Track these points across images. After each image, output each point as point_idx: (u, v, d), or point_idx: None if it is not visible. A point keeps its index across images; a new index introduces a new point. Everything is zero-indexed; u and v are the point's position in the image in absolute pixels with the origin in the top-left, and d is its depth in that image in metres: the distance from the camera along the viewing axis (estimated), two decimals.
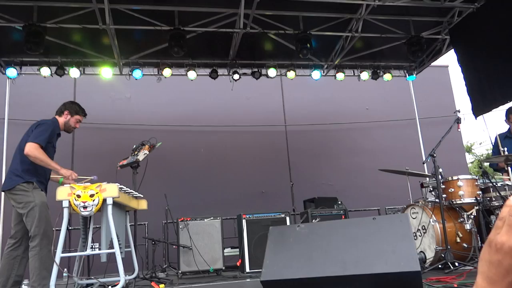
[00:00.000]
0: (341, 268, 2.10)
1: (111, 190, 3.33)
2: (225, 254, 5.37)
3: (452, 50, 6.30)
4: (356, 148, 8.97)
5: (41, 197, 3.69)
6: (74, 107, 4.11)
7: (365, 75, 7.34)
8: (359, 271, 2.05)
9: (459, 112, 4.36)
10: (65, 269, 3.51)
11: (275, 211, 5.41)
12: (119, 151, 5.51)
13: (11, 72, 6.29)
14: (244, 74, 7.05)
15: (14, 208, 3.74)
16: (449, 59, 19.48)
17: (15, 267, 3.69)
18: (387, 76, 7.43)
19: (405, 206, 4.78)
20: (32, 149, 3.61)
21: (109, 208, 3.30)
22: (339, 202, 5.75)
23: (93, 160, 7.34)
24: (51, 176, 3.94)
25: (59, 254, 3.16)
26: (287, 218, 5.40)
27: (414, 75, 7.66)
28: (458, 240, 4.10)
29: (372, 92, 8.75)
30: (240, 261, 5.26)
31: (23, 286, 3.03)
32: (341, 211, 5.51)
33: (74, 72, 6.41)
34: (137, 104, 8.28)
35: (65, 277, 4.93)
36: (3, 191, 3.78)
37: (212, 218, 5.36)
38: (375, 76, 7.36)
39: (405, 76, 7.70)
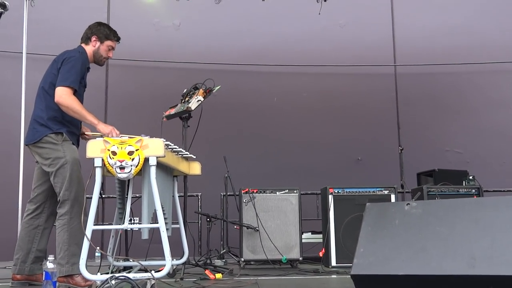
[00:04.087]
0: (468, 265, 2.07)
1: (155, 147, 3.46)
2: (303, 240, 5.48)
3: None
4: (503, 100, 8.47)
5: (73, 153, 3.96)
6: (103, 30, 4.25)
7: None
8: (494, 271, 2.01)
9: None
10: (98, 248, 3.77)
11: (375, 186, 5.38)
12: (165, 96, 5.72)
13: None
14: None
15: (38, 165, 4.06)
16: None
17: (37, 240, 4.05)
18: None
19: None
20: (65, 96, 3.81)
21: (153, 170, 3.46)
22: (471, 177, 5.57)
23: (131, 108, 7.70)
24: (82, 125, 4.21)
25: (90, 226, 3.40)
26: (392, 196, 5.34)
27: None
28: None
29: None
30: (323, 250, 5.34)
31: (47, 263, 3.31)
32: (473, 190, 5.37)
33: None
34: (189, 34, 8.42)
35: (97, 257, 5.40)
36: (26, 145, 4.11)
37: (287, 191, 5.45)
38: None
39: None
